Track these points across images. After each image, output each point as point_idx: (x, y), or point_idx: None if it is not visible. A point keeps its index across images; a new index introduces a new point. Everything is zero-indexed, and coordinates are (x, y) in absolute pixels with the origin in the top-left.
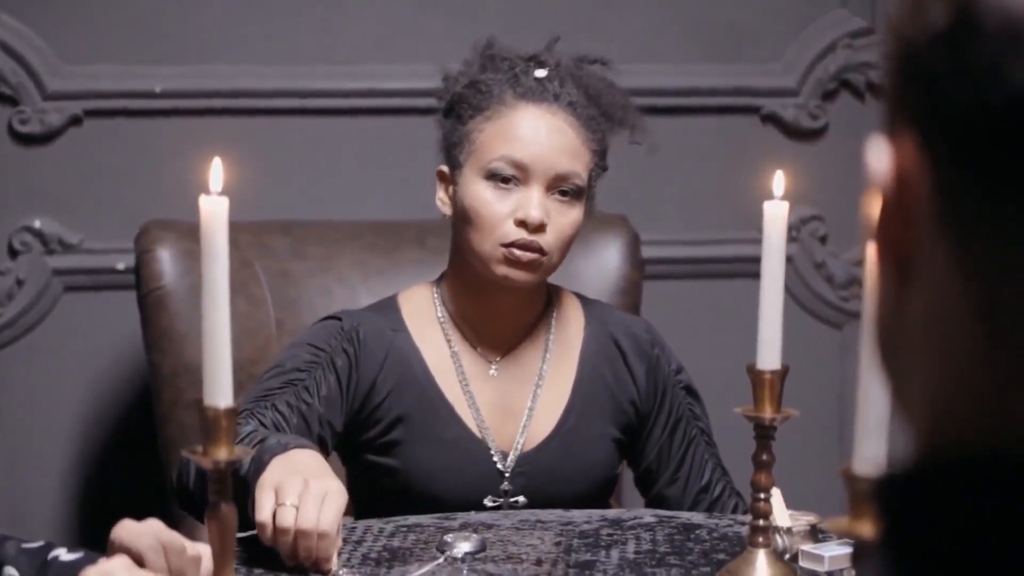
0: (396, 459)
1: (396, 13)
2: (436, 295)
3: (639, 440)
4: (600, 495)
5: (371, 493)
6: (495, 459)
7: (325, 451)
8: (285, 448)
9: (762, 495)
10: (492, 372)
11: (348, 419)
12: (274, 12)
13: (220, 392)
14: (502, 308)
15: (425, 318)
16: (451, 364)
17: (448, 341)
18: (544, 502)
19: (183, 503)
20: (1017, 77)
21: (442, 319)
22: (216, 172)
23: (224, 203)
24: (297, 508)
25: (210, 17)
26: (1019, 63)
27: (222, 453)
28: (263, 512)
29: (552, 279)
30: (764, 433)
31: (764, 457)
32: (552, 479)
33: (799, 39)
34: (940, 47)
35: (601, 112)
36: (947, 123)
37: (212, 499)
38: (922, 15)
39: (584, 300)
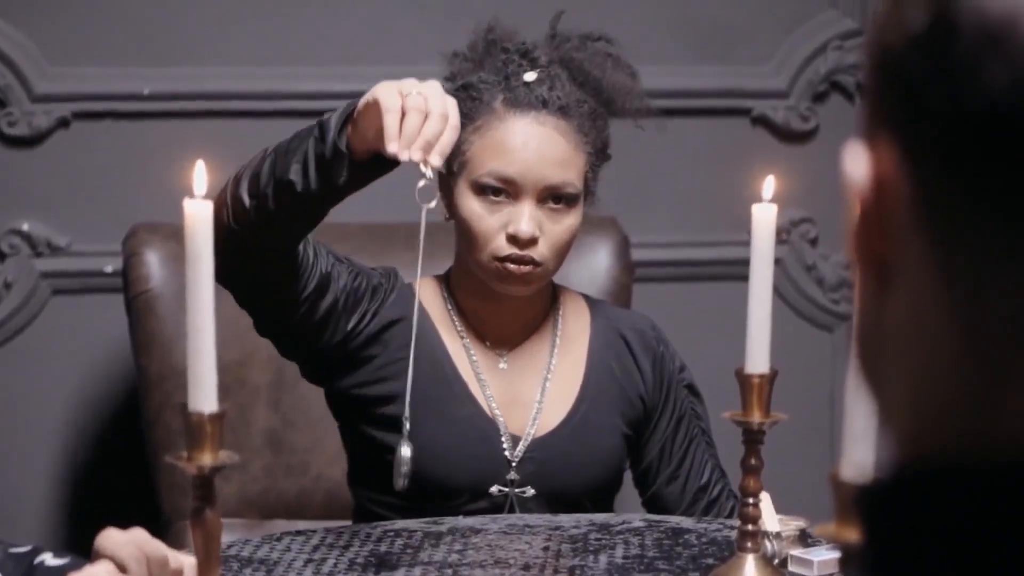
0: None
1: (385, 15)
2: (444, 290)
3: (643, 435)
4: (607, 489)
5: (369, 475)
6: (504, 446)
7: (336, 317)
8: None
9: (751, 500)
10: (502, 366)
11: (355, 337)
12: (263, 14)
13: (204, 397)
14: (507, 308)
15: (438, 308)
16: (464, 353)
17: (459, 333)
18: (551, 493)
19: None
20: (995, 80)
21: (452, 312)
22: (200, 175)
23: (208, 206)
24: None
25: (199, 19)
26: (997, 66)
27: (207, 459)
28: (392, 99)
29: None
30: (752, 438)
31: (752, 461)
32: (562, 467)
33: (789, 40)
34: (918, 50)
35: (602, 100)
36: (926, 127)
37: (196, 505)
38: (901, 19)
39: (588, 298)
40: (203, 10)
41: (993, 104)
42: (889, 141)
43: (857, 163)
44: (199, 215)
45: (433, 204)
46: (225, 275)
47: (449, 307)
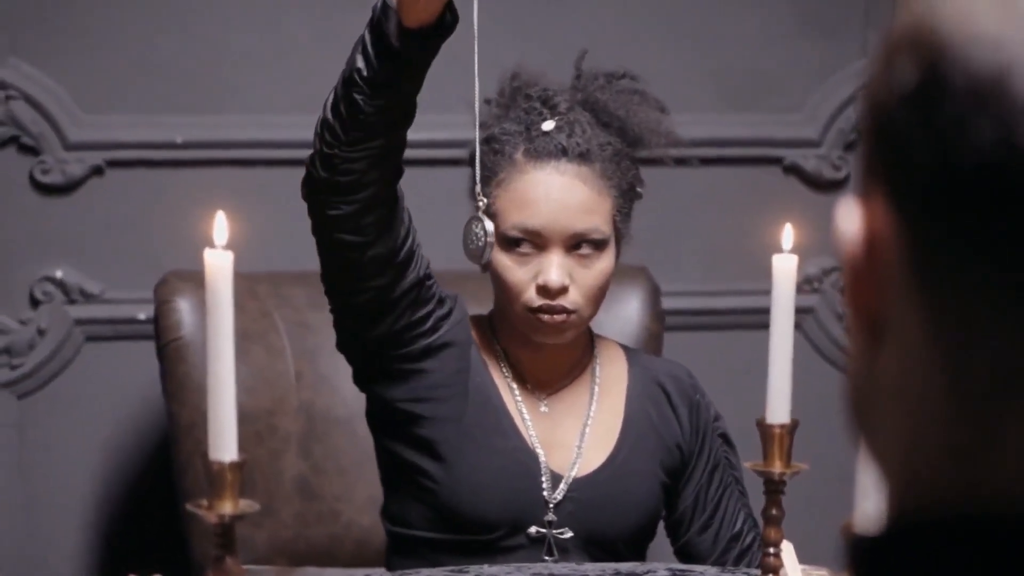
0: (443, 463)
1: None
2: (489, 329)
3: (679, 483)
4: (643, 536)
5: (403, 506)
6: (544, 484)
7: (408, 300)
8: None
9: (772, 550)
10: (543, 409)
11: (413, 339)
12: (297, 61)
13: (225, 446)
14: (545, 354)
15: (487, 346)
16: (509, 391)
17: (503, 372)
18: (589, 536)
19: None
20: (983, 136)
21: (497, 351)
22: (220, 226)
23: (229, 257)
24: None
25: (232, 67)
26: (985, 122)
27: (227, 507)
28: None
29: None
30: (773, 488)
31: (773, 511)
32: (601, 509)
33: (821, 89)
34: (908, 108)
35: (628, 141)
36: (916, 183)
37: (217, 553)
38: (891, 76)
39: (624, 346)
40: (236, 58)
41: (981, 161)
42: (881, 197)
43: (849, 218)
44: (219, 265)
45: None
46: (330, 223)
47: (495, 345)
